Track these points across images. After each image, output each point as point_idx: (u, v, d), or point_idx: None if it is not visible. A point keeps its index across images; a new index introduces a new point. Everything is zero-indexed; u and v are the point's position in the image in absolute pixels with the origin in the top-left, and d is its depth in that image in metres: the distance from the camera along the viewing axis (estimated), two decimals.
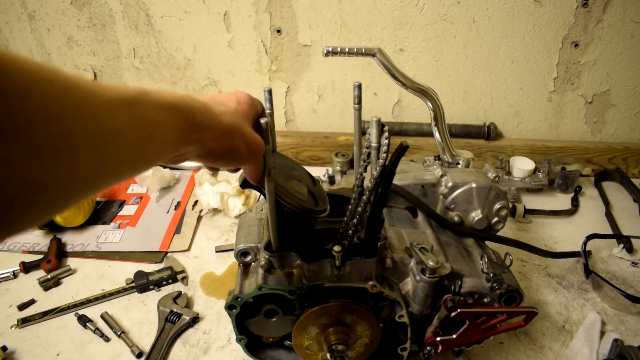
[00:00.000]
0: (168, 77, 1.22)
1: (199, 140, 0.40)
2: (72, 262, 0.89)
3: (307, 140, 1.22)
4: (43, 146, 0.24)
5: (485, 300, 0.58)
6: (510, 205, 1.00)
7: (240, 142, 0.44)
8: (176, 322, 0.74)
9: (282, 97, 1.22)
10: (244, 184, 0.54)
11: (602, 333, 0.74)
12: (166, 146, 0.36)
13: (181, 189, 1.13)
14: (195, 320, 0.76)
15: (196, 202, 1.06)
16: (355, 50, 0.70)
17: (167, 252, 0.92)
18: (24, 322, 0.75)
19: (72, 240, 0.94)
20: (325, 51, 0.71)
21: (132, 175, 0.35)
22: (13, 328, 0.75)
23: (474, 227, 0.67)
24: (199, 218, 1.02)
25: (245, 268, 0.60)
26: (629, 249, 0.92)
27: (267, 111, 0.58)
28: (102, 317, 0.76)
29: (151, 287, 0.82)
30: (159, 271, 0.84)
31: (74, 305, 0.78)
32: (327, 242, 0.60)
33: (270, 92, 0.58)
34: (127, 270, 0.86)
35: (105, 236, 0.96)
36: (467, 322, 0.58)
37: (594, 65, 1.10)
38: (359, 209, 0.52)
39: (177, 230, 0.98)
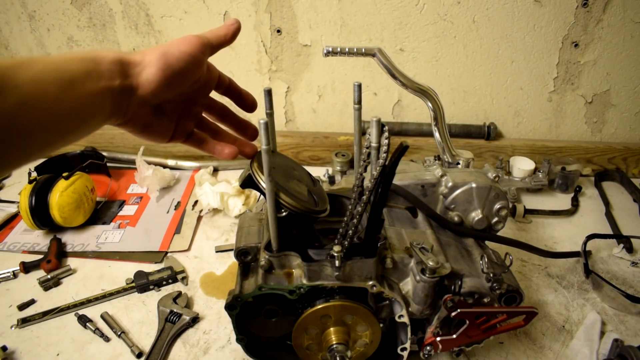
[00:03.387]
0: None
1: (127, 75, 0.42)
2: (72, 262, 0.89)
3: (307, 140, 1.22)
4: None
5: (485, 300, 0.58)
6: (510, 205, 1.00)
7: (175, 49, 0.44)
8: (176, 322, 0.74)
9: (282, 97, 1.22)
10: (244, 184, 0.55)
11: (602, 333, 0.74)
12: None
13: (181, 189, 1.13)
14: (195, 320, 0.76)
15: (196, 202, 1.06)
16: (355, 50, 0.70)
17: (167, 252, 0.92)
18: (24, 322, 0.75)
19: (72, 240, 0.94)
20: (325, 51, 0.71)
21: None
22: (13, 328, 0.75)
23: (474, 227, 0.67)
24: (199, 218, 1.02)
25: (245, 268, 0.60)
26: (629, 249, 0.92)
27: (267, 111, 0.59)
28: (102, 317, 0.76)
29: (151, 287, 0.82)
30: (159, 271, 0.84)
31: (74, 305, 0.78)
32: (327, 242, 0.60)
33: (270, 92, 0.58)
34: (127, 270, 0.86)
35: (105, 236, 0.96)
36: (467, 322, 0.58)
37: (594, 65, 1.10)
38: (359, 209, 0.52)
39: (177, 230, 0.98)
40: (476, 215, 0.66)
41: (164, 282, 0.83)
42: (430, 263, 0.54)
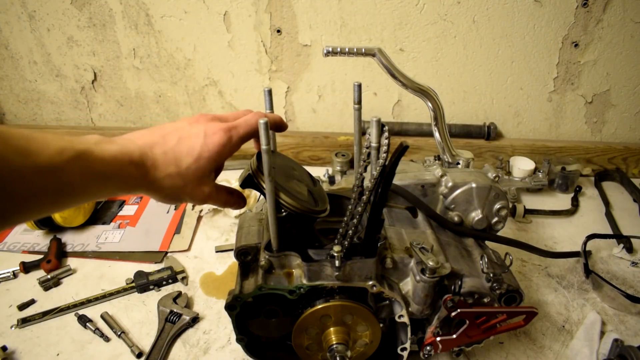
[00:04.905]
0: (168, 77, 1.22)
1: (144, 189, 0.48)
2: (72, 262, 0.89)
3: (307, 140, 1.22)
4: None
5: (485, 300, 0.58)
6: (510, 205, 1.00)
7: (186, 196, 0.50)
8: (176, 322, 0.74)
9: (282, 97, 1.22)
10: (244, 184, 0.54)
11: (602, 333, 0.74)
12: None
13: None
14: (195, 320, 0.76)
15: None
16: (355, 50, 0.70)
17: (167, 252, 0.92)
18: (24, 322, 0.75)
19: (72, 240, 0.94)
20: (325, 51, 0.71)
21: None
22: (13, 328, 0.75)
23: (474, 227, 0.67)
24: (199, 218, 1.02)
25: (245, 268, 0.60)
26: (629, 249, 0.92)
27: (267, 111, 0.59)
28: (102, 317, 0.76)
29: (151, 287, 0.82)
30: (159, 271, 0.84)
31: (74, 305, 0.78)
32: (327, 242, 0.60)
33: (270, 92, 0.58)
34: (127, 270, 0.86)
35: (105, 236, 0.96)
36: (467, 322, 0.58)
37: (594, 65, 1.10)
38: (359, 209, 0.52)
39: (177, 230, 0.98)
40: (476, 215, 0.66)
41: (164, 282, 0.83)
42: (430, 263, 0.54)
